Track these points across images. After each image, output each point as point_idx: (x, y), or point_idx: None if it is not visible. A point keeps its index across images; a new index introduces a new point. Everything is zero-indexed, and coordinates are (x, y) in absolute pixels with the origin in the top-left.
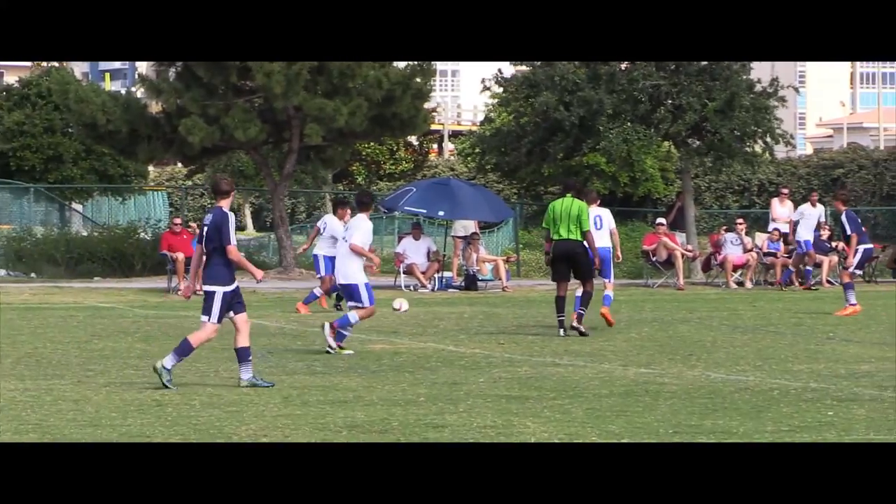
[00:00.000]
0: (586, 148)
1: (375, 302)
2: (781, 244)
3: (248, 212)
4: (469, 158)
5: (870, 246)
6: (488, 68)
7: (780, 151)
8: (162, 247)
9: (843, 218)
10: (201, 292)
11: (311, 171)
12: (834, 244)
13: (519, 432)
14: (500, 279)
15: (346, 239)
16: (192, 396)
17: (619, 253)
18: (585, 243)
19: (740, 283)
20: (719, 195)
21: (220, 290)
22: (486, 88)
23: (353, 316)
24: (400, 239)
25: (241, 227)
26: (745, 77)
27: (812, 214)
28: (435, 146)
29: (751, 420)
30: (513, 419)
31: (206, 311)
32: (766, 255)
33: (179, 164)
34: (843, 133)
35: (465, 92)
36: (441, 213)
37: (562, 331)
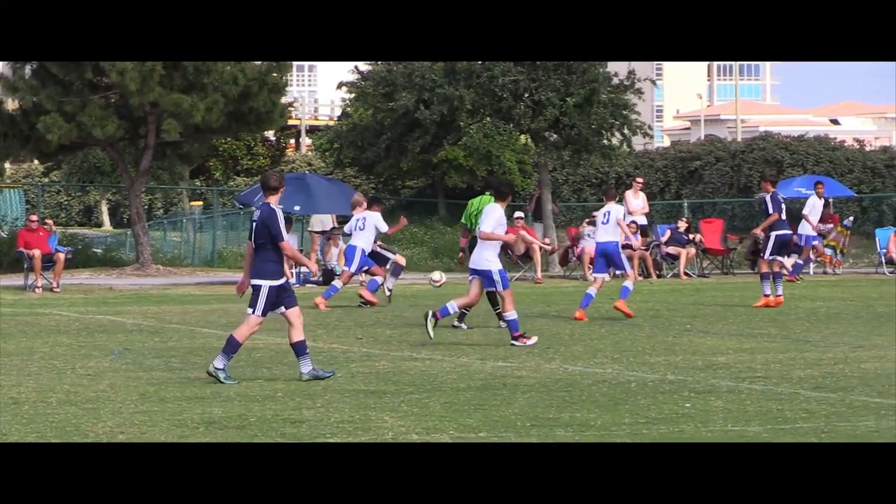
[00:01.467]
0: (446, 143)
1: (510, 285)
2: (639, 236)
3: (104, 208)
4: (327, 153)
5: (786, 232)
6: (345, 64)
7: (638, 144)
8: (18, 244)
9: (768, 198)
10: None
11: (168, 168)
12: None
13: (377, 427)
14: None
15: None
16: (49, 394)
17: (634, 243)
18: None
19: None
20: (577, 188)
21: (266, 285)
22: (343, 85)
23: (453, 305)
24: None
25: (97, 224)
26: (602, 70)
27: (818, 206)
28: (292, 141)
29: (608, 412)
30: (370, 414)
31: (252, 304)
32: (623, 247)
33: (36, 162)
34: (700, 125)
35: (322, 86)
36: (297, 209)
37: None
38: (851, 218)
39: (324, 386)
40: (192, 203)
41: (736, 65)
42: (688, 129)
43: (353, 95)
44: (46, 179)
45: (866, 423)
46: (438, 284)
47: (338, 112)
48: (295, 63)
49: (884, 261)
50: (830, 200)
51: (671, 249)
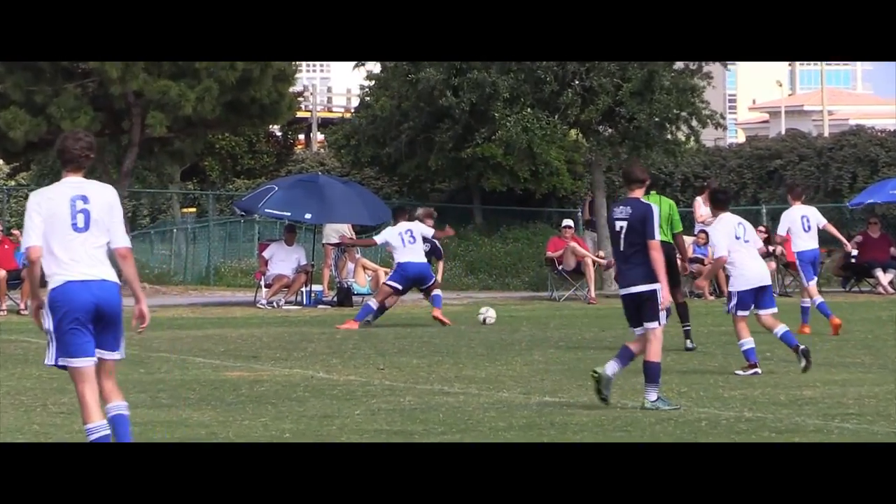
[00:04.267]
0: (479, 138)
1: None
2: (709, 248)
3: None
4: (342, 151)
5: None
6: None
7: (708, 139)
8: None
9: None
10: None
11: (156, 168)
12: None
13: None
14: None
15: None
16: (17, 434)
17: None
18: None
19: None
20: None
21: (657, 287)
22: (361, 64)
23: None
24: (262, 247)
25: None
26: None
27: None
28: (301, 137)
29: None
30: None
31: (652, 314)
32: (691, 261)
33: (0, 161)
34: (780, 118)
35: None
36: (308, 217)
37: (689, 342)
38: None
39: (339, 426)
40: (184, 210)
41: None
42: (766, 122)
43: (373, 83)
44: (13, 182)
45: None
46: (488, 322)
47: (355, 102)
48: None
49: None
50: None
51: None
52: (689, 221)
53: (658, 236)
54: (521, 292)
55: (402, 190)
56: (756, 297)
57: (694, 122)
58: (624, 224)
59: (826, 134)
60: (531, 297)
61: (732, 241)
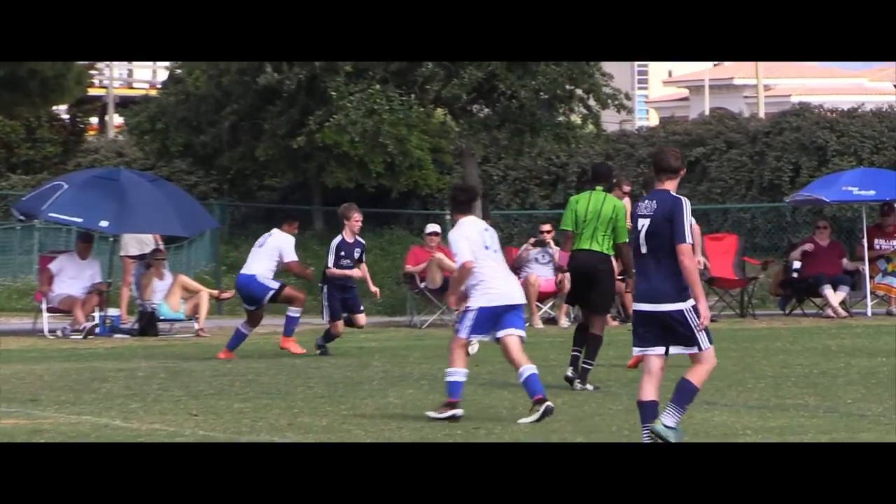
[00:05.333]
0: (314, 123)
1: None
2: (613, 259)
3: None
4: (146, 138)
5: None
6: None
7: (612, 122)
8: None
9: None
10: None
11: None
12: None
13: None
14: (196, 318)
15: None
16: None
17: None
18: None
19: (551, 320)
20: (519, 188)
21: (688, 306)
22: None
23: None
24: (45, 260)
25: None
26: None
27: None
28: (94, 120)
29: None
30: None
31: (687, 339)
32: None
33: None
34: (703, 94)
35: None
36: (104, 225)
37: (570, 370)
38: None
39: None
40: None
41: None
42: (685, 99)
43: None
44: None
45: None
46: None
47: (162, 77)
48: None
49: None
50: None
51: None
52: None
53: (690, 239)
54: (372, 317)
55: (221, 187)
56: (500, 318)
57: (592, 102)
58: (646, 222)
59: (762, 114)
60: (386, 323)
61: (480, 250)
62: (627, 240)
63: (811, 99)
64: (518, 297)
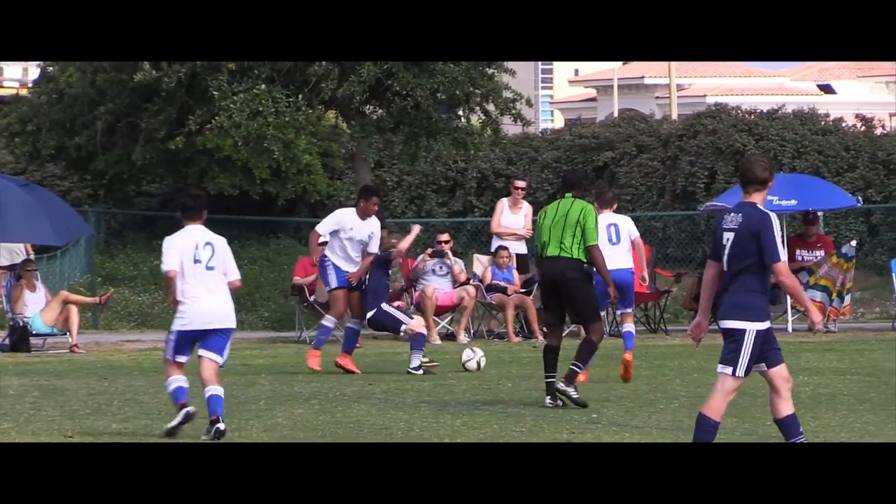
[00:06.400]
0: (193, 124)
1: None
2: (514, 272)
3: None
4: (16, 140)
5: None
6: None
7: (514, 125)
8: None
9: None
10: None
11: None
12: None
13: None
14: (68, 332)
15: None
16: None
17: (644, 273)
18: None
19: (449, 336)
20: (415, 195)
21: (751, 329)
22: None
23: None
24: None
25: None
26: None
27: None
28: None
29: None
30: None
31: (730, 357)
32: (489, 290)
33: None
34: (612, 95)
35: None
36: None
37: (549, 399)
38: (854, 243)
39: None
40: None
41: None
42: (593, 100)
43: None
44: None
45: None
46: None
47: (35, 75)
48: None
49: None
50: (819, 214)
51: None
52: (487, 235)
53: (783, 257)
54: (258, 332)
55: (97, 193)
56: (200, 340)
57: (491, 107)
58: (731, 236)
59: (675, 116)
60: (273, 339)
61: (189, 263)
62: (597, 242)
63: (728, 99)
64: (221, 321)
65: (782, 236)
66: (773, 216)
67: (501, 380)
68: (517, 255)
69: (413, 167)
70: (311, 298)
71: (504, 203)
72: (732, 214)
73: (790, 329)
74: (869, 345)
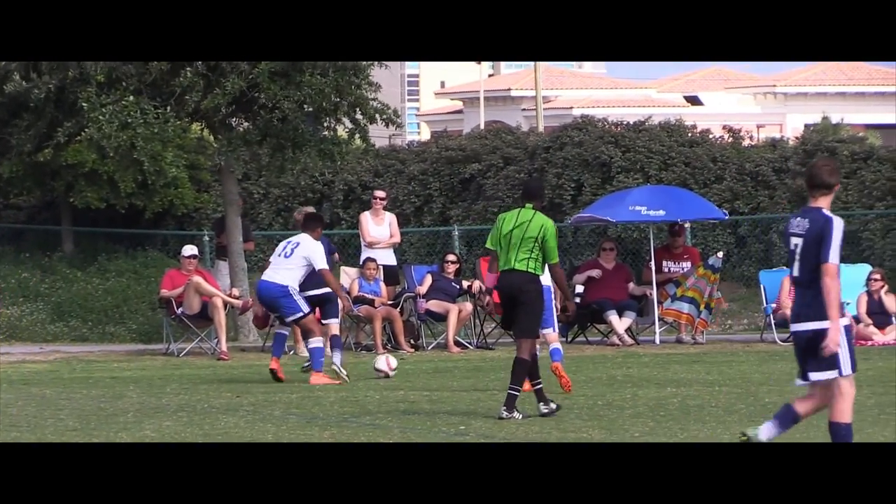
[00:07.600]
0: (62, 136)
1: None
2: (382, 284)
3: None
4: None
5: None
6: None
7: (381, 136)
8: None
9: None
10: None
11: None
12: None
13: None
14: None
15: None
16: None
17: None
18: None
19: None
20: (281, 207)
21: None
22: None
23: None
24: None
25: None
26: None
27: None
28: None
29: None
30: None
31: (831, 361)
32: (356, 301)
33: None
34: (479, 107)
35: None
36: None
37: (541, 404)
38: (720, 254)
39: None
40: None
41: None
42: (459, 112)
43: None
44: None
45: None
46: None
47: None
48: None
49: (773, 322)
50: (686, 225)
51: (433, 305)
52: (355, 247)
53: (836, 259)
54: (127, 344)
55: None
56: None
57: (359, 116)
58: (799, 242)
59: (541, 128)
60: (141, 351)
61: None
62: (557, 260)
63: (595, 111)
64: None
65: (840, 242)
66: (839, 220)
67: (369, 392)
68: (385, 266)
69: (279, 179)
70: (179, 311)
71: (367, 216)
72: (799, 219)
73: (658, 341)
74: (737, 356)
